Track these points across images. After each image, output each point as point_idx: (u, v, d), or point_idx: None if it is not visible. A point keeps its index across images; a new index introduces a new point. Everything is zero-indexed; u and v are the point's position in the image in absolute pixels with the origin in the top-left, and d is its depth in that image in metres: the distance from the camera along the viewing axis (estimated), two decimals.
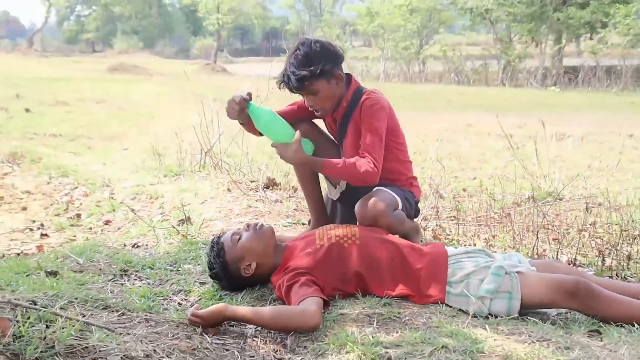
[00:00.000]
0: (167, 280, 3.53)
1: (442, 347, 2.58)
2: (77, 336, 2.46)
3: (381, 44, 37.30)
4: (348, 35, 51.00)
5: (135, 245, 4.35)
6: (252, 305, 3.18)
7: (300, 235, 3.57)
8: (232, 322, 2.93)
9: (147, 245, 4.34)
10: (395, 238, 3.40)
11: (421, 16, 38.08)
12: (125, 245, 4.32)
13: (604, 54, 33.28)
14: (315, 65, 3.62)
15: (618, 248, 4.21)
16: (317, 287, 3.05)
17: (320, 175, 4.07)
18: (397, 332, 2.77)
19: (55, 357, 2.31)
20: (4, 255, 4.29)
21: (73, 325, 2.52)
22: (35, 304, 2.71)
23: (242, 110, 3.67)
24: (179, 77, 29.24)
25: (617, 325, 2.91)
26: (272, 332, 2.86)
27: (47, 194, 6.46)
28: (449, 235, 4.81)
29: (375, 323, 2.87)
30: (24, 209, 6.10)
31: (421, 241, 4.28)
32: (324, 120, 4.05)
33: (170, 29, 74.87)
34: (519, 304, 2.99)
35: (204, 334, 2.82)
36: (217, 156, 6.69)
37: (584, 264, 4.18)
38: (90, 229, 5.20)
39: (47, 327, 2.49)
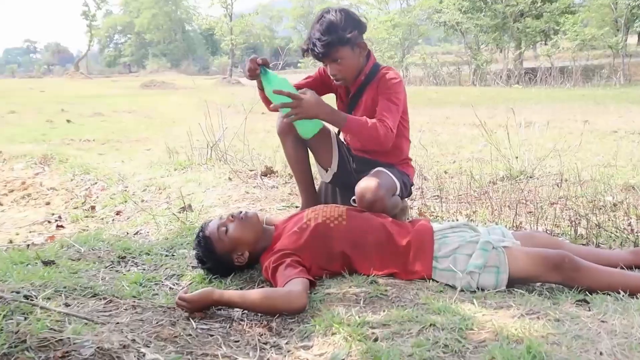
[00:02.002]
0: (162, 265, 3.01)
1: (430, 325, 2.07)
2: (52, 328, 1.97)
3: None
4: None
5: (137, 233, 3.83)
6: (240, 288, 2.67)
7: (291, 215, 3.03)
8: (220, 306, 2.43)
9: (148, 232, 3.82)
10: (382, 216, 2.87)
11: (402, 30, 37.59)
12: (127, 233, 3.81)
13: (557, 56, 32.85)
14: (340, 32, 3.08)
15: (588, 218, 3.74)
16: (303, 267, 2.54)
17: (312, 160, 3.52)
18: (384, 310, 2.25)
19: (26, 351, 1.82)
20: (7, 248, 3.77)
21: (49, 316, 2.04)
22: (18, 294, 2.22)
23: (257, 72, 3.06)
24: (200, 90, 28.91)
25: (604, 294, 2.42)
26: (259, 314, 2.36)
27: (69, 189, 5.95)
28: (434, 212, 4.33)
29: (361, 302, 2.36)
30: (48, 203, 5.61)
31: (407, 218, 3.80)
32: (336, 93, 3.50)
33: (193, 50, 74.76)
34: (507, 277, 2.49)
35: (190, 318, 2.33)
36: (221, 150, 6.22)
37: (558, 234, 3.70)
38: (102, 219, 4.70)
39: (25, 318, 2.00)
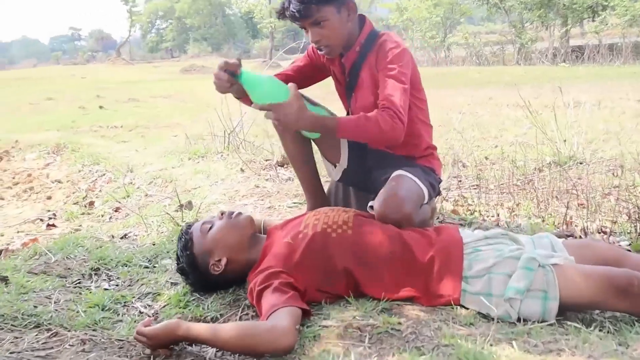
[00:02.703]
0: (138, 279, 2.51)
1: None
2: None
3: (410, 35, 35.94)
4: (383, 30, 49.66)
5: (125, 236, 3.30)
6: (220, 315, 2.13)
7: (289, 219, 2.44)
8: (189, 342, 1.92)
9: (137, 235, 3.30)
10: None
11: (444, 9, 36.53)
12: (113, 237, 3.28)
13: (605, 33, 31.60)
14: None
15: None
16: (295, 291, 2.00)
17: (315, 151, 2.91)
18: (394, 354, 1.69)
19: None
20: None
21: None
22: None
23: (232, 82, 2.48)
24: None
25: None
26: (237, 354, 1.85)
27: (74, 182, 5.49)
28: (471, 205, 3.79)
29: (366, 340, 1.79)
30: (49, 198, 5.17)
31: (438, 219, 3.26)
32: (332, 74, 2.85)
33: (234, 34, 74.38)
34: (557, 305, 1.90)
35: (153, 357, 1.83)
36: (239, 137, 5.70)
37: (614, 232, 3.11)
38: (101, 216, 4.20)
39: None
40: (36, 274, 2.52)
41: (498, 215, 3.84)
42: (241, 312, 2.13)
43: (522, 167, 4.83)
